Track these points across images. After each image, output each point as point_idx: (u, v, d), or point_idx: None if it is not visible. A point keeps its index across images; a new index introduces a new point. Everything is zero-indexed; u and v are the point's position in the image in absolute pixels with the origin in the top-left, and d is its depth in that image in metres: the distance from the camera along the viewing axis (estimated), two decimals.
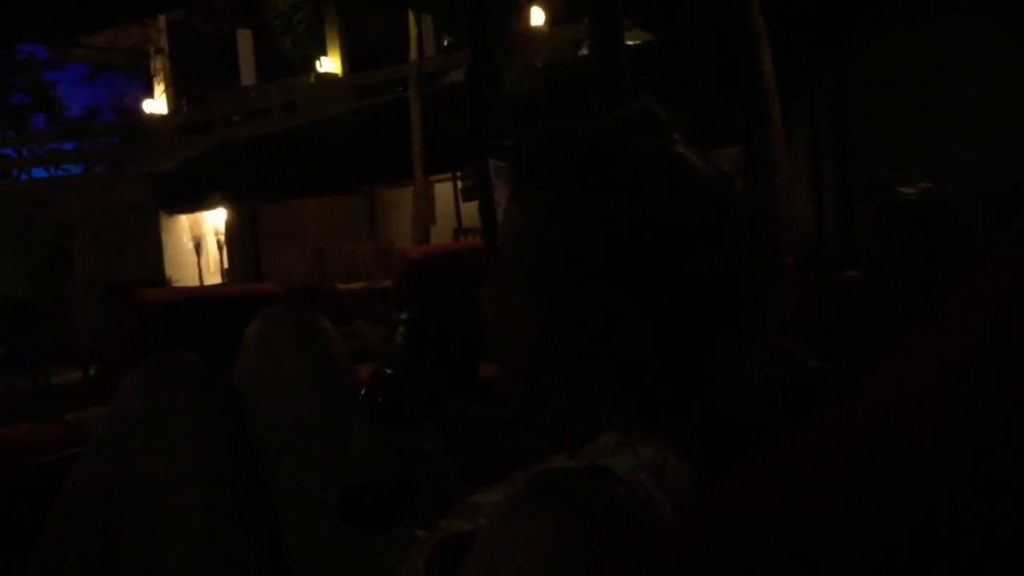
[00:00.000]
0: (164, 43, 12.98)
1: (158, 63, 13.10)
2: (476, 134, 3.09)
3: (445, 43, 12.67)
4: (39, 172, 12.93)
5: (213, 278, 12.08)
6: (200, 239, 12.17)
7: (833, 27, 5.40)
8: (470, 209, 8.06)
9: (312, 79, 12.34)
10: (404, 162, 8.72)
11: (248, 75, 13.47)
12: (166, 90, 13.41)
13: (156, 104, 13.45)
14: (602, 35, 2.80)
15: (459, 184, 8.40)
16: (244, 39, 13.41)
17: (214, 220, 12.07)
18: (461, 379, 3.27)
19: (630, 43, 6.43)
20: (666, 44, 5.66)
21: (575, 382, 0.76)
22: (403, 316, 0.92)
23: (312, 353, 1.19)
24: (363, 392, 0.93)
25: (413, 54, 9.53)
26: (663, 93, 0.87)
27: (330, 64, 12.49)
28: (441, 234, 10.49)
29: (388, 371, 0.92)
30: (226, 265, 12.27)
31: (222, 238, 12.13)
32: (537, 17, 7.87)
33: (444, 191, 10.83)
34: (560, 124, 0.79)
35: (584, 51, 6.63)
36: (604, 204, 0.73)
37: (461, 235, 10.20)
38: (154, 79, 13.39)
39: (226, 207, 11.74)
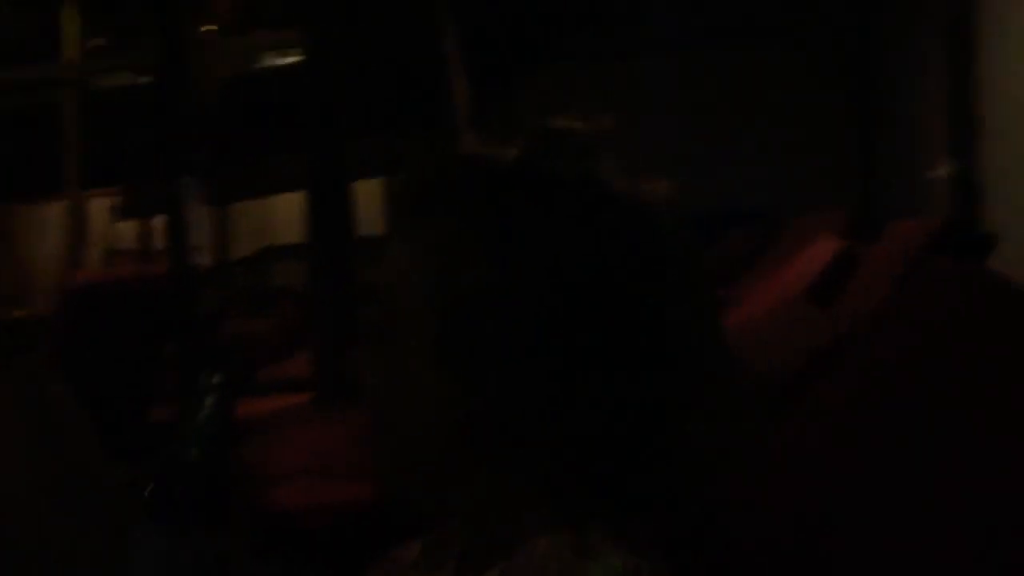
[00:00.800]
0: None
1: None
2: (165, 146, 2.75)
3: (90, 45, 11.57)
4: None
5: None
6: None
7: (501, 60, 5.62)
8: (125, 230, 7.37)
9: None
10: (47, 174, 7.77)
11: None
12: None
13: None
14: (315, 47, 2.62)
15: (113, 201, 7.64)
16: None
17: None
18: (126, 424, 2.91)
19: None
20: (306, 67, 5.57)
21: (501, 471, 0.60)
22: (215, 380, 0.71)
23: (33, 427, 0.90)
24: (150, 487, 0.70)
25: (70, 51, 8.52)
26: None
27: None
28: (90, 256, 9.53)
29: (193, 453, 0.70)
30: None
31: None
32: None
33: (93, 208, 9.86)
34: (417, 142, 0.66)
35: (273, 61, 6.32)
36: (535, 242, 0.58)
37: (116, 258, 9.31)
38: None
39: None
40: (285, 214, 7.40)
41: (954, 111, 3.79)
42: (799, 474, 0.80)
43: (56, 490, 0.92)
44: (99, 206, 9.95)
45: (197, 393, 0.72)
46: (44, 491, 0.92)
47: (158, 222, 6.93)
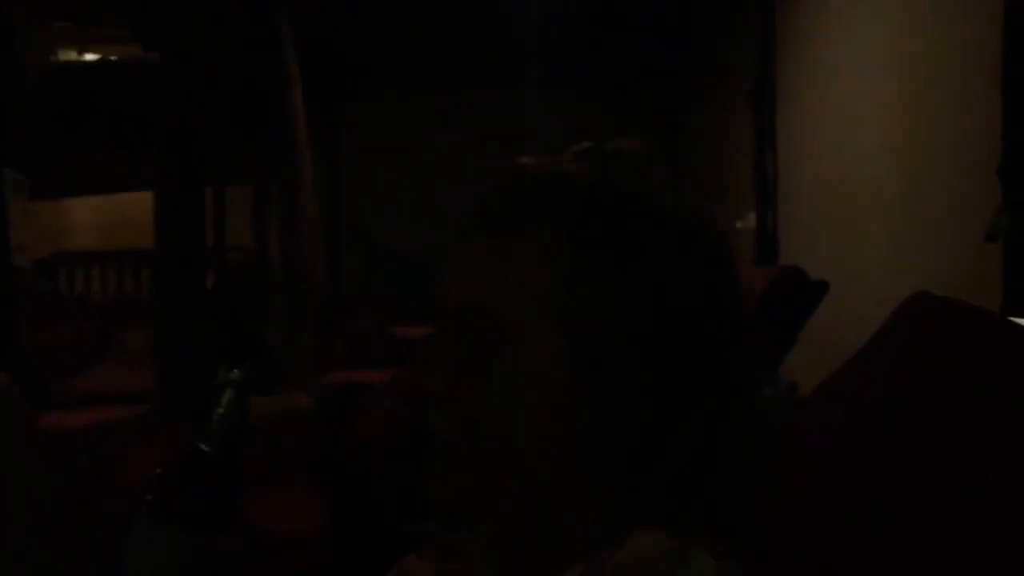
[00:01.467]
0: None
1: None
2: None
3: None
4: None
5: None
6: None
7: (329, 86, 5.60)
8: None
9: None
10: None
11: None
12: None
13: None
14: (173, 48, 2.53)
15: None
16: None
17: None
18: None
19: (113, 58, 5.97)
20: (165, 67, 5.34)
21: (615, 484, 0.62)
22: (232, 375, 0.70)
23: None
24: (155, 482, 0.68)
25: None
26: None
27: None
28: None
29: (204, 450, 0.68)
30: None
31: None
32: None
33: None
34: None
35: (76, 55, 5.92)
36: (637, 258, 0.62)
37: None
38: None
39: None
40: (79, 218, 6.93)
41: (758, 169, 4.16)
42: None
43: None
44: None
45: (214, 388, 0.70)
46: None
47: None
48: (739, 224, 4.32)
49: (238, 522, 0.69)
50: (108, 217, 6.86)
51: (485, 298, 0.63)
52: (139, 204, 5.85)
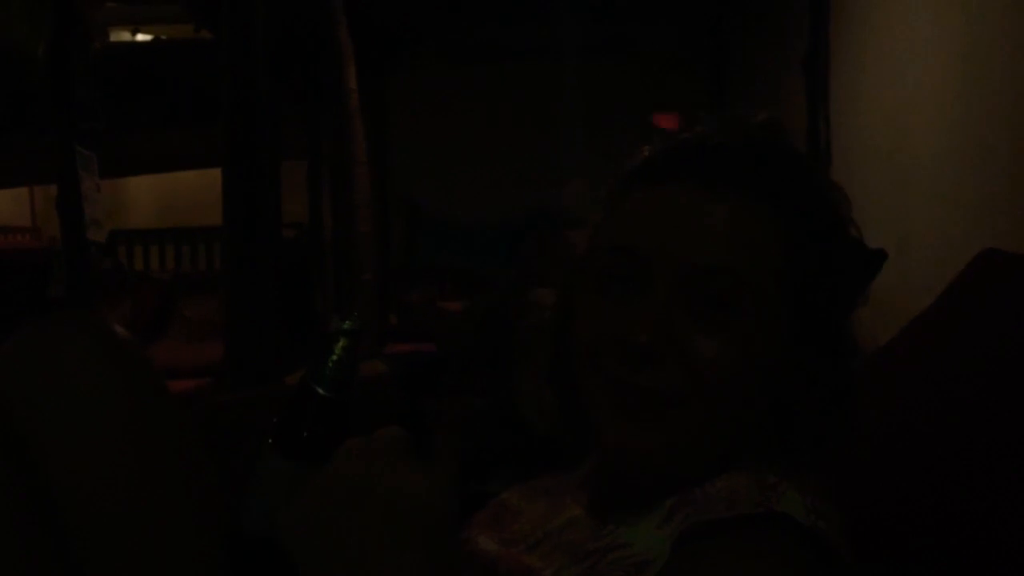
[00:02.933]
0: None
1: None
2: (59, 116, 2.62)
3: None
4: None
5: None
6: None
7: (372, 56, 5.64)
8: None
9: None
10: None
11: None
12: None
13: None
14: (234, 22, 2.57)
15: None
16: None
17: None
18: None
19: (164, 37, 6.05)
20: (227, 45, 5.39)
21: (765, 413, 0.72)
22: (345, 325, 0.75)
23: (123, 383, 0.86)
24: (280, 418, 0.74)
25: None
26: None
27: None
28: None
29: (322, 393, 0.74)
30: None
31: None
32: None
33: None
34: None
35: (141, 36, 6.02)
36: (839, 236, 0.74)
37: None
38: None
39: None
40: (135, 197, 7.06)
41: (811, 136, 4.12)
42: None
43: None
44: None
45: (328, 337, 0.76)
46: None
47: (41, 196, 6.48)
48: None
49: None
50: (163, 196, 6.99)
51: (732, 259, 0.70)
52: (192, 183, 5.96)
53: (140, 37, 5.99)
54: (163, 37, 5.87)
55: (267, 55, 2.66)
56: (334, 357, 0.75)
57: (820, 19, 4.13)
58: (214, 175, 2.61)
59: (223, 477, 0.86)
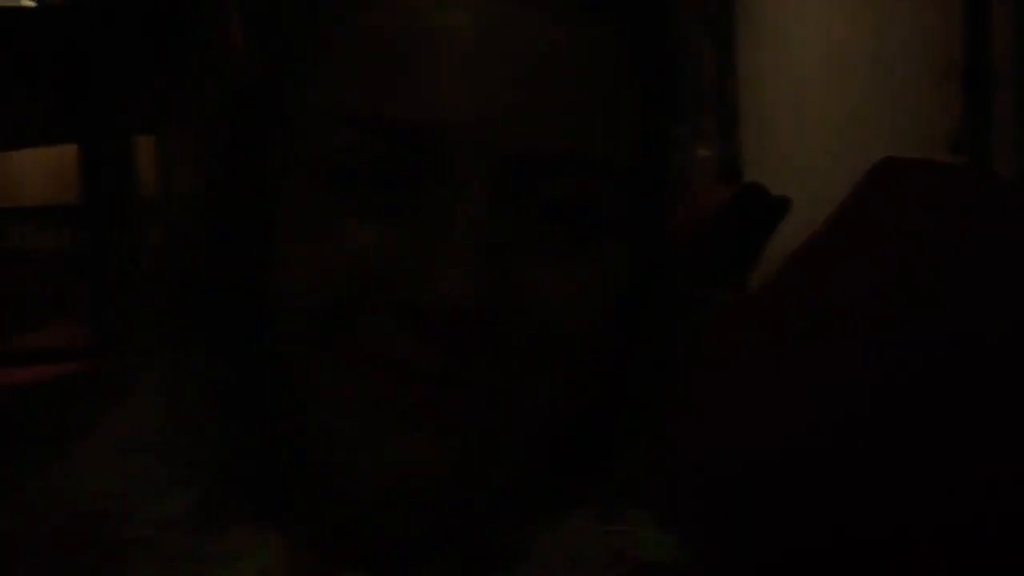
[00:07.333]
0: None
1: None
2: None
3: None
4: None
5: None
6: None
7: None
8: None
9: None
10: None
11: None
12: None
13: None
14: None
15: None
16: None
17: None
18: None
19: None
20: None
21: None
22: None
23: None
24: None
25: None
26: None
27: None
28: None
29: None
30: None
31: None
32: None
33: None
34: None
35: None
36: None
37: None
38: None
39: None
40: (25, 171, 6.73)
41: (720, 99, 4.09)
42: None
43: None
44: None
45: None
46: None
47: None
48: (703, 153, 4.27)
49: None
50: (55, 170, 6.66)
51: (587, 137, 0.43)
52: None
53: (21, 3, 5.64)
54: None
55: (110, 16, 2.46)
56: None
57: None
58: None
59: None
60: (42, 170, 6.84)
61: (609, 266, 0.44)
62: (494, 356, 0.42)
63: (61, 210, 5.78)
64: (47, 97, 4.60)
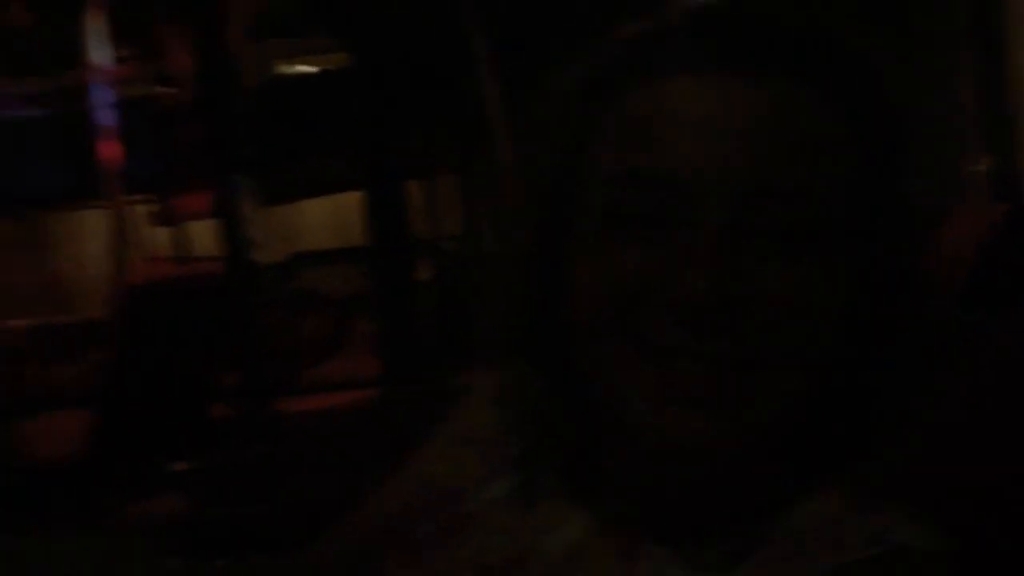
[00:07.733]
0: None
1: None
2: (218, 145, 2.81)
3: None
4: None
5: None
6: None
7: None
8: (157, 237, 7.40)
9: None
10: (82, 181, 7.80)
11: None
12: None
13: None
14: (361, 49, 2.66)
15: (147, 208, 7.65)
16: None
17: None
18: (186, 421, 2.96)
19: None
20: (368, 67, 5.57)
21: None
22: None
23: None
24: None
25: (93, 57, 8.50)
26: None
27: None
28: (132, 262, 9.51)
29: None
30: None
31: None
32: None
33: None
34: None
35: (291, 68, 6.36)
36: None
37: (157, 263, 9.32)
38: None
39: None
40: (311, 219, 7.42)
41: (988, 109, 3.79)
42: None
43: None
44: (134, 214, 9.98)
45: None
46: None
47: (193, 228, 7.01)
48: (974, 167, 3.98)
49: None
50: (340, 216, 7.29)
51: (802, 175, 0.56)
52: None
53: (301, 68, 6.30)
54: (314, 69, 6.15)
55: (404, 71, 2.73)
56: None
57: None
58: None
59: None
60: (327, 216, 7.54)
61: (827, 274, 0.56)
62: (735, 339, 0.55)
63: (346, 252, 6.35)
64: (331, 151, 5.12)
